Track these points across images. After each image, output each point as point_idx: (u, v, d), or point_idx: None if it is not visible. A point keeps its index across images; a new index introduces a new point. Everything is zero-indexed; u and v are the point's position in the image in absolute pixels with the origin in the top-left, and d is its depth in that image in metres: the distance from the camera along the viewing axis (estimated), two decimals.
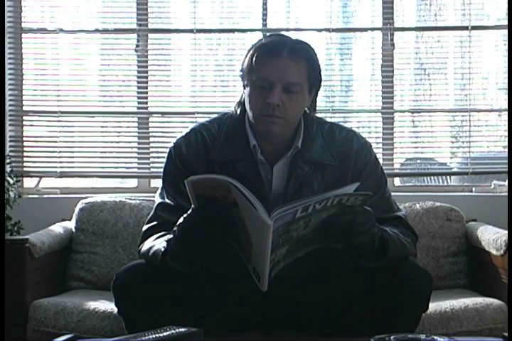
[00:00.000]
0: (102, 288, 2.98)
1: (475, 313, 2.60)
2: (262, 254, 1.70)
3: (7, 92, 3.58)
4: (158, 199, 2.07)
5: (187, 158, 2.05)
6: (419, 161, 3.84)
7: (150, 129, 3.66)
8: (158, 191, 2.09)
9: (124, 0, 3.65)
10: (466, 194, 3.53)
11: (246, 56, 2.02)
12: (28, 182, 3.67)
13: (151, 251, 1.94)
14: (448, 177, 3.84)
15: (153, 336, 1.61)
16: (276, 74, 1.95)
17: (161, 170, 2.11)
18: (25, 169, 3.63)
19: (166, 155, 2.10)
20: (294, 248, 1.78)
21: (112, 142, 3.71)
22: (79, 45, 3.67)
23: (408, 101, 3.69)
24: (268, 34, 2.18)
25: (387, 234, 1.92)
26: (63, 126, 3.65)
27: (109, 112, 3.68)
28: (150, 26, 3.65)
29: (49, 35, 3.65)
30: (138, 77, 3.64)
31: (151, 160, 3.64)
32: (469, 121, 3.61)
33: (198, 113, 3.61)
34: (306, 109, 2.07)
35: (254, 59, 1.98)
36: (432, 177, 3.87)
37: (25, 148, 3.64)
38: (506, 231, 2.74)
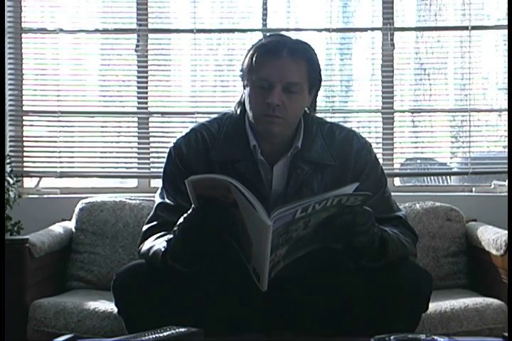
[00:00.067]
0: (102, 288, 2.98)
1: (475, 313, 2.60)
2: (261, 254, 1.70)
3: (7, 92, 3.58)
4: (158, 200, 2.07)
5: (187, 158, 2.05)
6: (419, 161, 3.84)
7: (150, 129, 3.66)
8: (158, 191, 2.09)
9: (124, 0, 3.65)
10: (466, 194, 3.53)
11: (246, 56, 2.02)
12: (28, 182, 3.67)
13: (151, 251, 1.94)
14: (448, 177, 3.84)
15: (153, 336, 1.61)
16: (276, 74, 1.95)
17: (161, 170, 2.11)
18: (25, 169, 3.63)
19: (166, 155, 2.10)
20: (294, 248, 1.78)
21: (112, 142, 3.71)
22: (79, 45, 3.67)
23: (408, 101, 3.69)
24: (268, 34, 2.18)
25: (387, 234, 1.92)
26: (63, 126, 3.65)
27: (109, 112, 3.69)
28: (150, 26, 3.65)
29: (49, 35, 3.65)
30: (138, 77, 3.65)
31: (151, 160, 3.64)
32: (469, 121, 3.61)
33: (198, 113, 3.61)
34: (306, 109, 2.07)
35: (254, 59, 1.98)
36: (432, 177, 3.87)
37: (25, 148, 3.64)
38: (506, 231, 2.74)
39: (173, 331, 1.64)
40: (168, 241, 1.89)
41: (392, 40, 3.58)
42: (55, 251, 2.97)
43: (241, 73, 2.04)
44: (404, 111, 3.68)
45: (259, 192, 1.88)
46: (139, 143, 3.66)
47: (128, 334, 1.73)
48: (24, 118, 3.65)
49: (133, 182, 3.68)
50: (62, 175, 3.61)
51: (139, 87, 3.65)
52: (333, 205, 1.73)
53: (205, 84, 3.70)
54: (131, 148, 3.69)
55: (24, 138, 3.65)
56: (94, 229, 3.15)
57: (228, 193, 1.70)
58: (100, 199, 3.23)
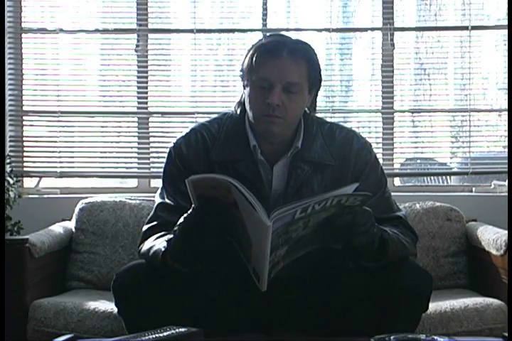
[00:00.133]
0: (102, 288, 2.98)
1: (475, 313, 2.60)
2: (261, 255, 1.70)
3: (7, 92, 3.58)
4: (158, 200, 2.07)
5: (187, 158, 2.05)
6: (419, 161, 3.84)
7: (150, 129, 3.66)
8: (158, 191, 2.09)
9: (124, 0, 3.65)
10: (466, 194, 3.53)
11: (246, 56, 2.02)
12: (28, 182, 3.67)
13: (151, 251, 1.94)
14: (448, 177, 3.84)
15: (153, 336, 1.61)
16: (276, 74, 1.95)
17: (161, 170, 2.11)
18: (25, 169, 3.63)
19: (166, 155, 2.10)
20: (294, 248, 1.78)
21: (112, 142, 3.71)
22: (79, 45, 3.67)
23: (408, 101, 3.69)
24: (268, 34, 2.18)
25: (387, 234, 1.92)
26: (63, 126, 3.65)
27: (109, 112, 3.68)
28: (150, 26, 3.64)
29: (49, 35, 3.65)
30: (138, 77, 3.64)
31: (151, 160, 3.64)
32: (469, 121, 3.61)
33: (198, 113, 3.61)
34: (306, 109, 2.07)
35: (254, 59, 1.98)
36: (432, 177, 3.87)
37: (25, 148, 3.64)
38: (506, 231, 2.74)
39: (173, 331, 1.64)
40: (168, 241, 1.89)
41: (392, 40, 3.58)
42: (55, 251, 2.97)
43: (241, 73, 2.04)
44: (404, 111, 3.68)
45: (259, 192, 1.89)
46: (139, 143, 3.66)
47: (128, 334, 1.74)
48: (24, 118, 3.65)
49: (133, 182, 3.68)
50: (62, 175, 3.61)
51: (139, 87, 3.65)
52: (332, 205, 1.73)
53: (205, 84, 3.70)
54: (131, 148, 3.69)
55: (24, 138, 3.65)
56: (94, 229, 3.15)
57: (228, 193, 1.70)
58: (100, 199, 3.23)
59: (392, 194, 2.12)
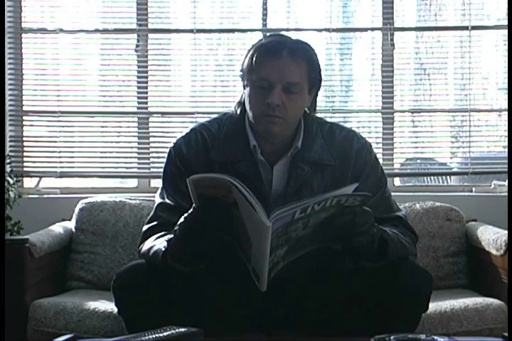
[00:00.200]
0: (102, 288, 2.98)
1: (475, 313, 2.60)
2: (261, 255, 1.70)
3: (7, 92, 3.58)
4: (158, 200, 2.07)
5: (187, 158, 2.05)
6: (419, 161, 3.84)
7: (150, 129, 3.66)
8: (158, 191, 2.09)
9: (124, 0, 3.65)
10: (466, 194, 3.53)
11: (246, 56, 2.02)
12: (28, 182, 3.67)
13: (152, 251, 1.94)
14: (448, 177, 3.84)
15: (153, 336, 1.61)
16: (276, 74, 1.95)
17: (161, 170, 2.11)
18: (25, 169, 3.63)
19: (166, 155, 2.10)
20: (293, 248, 1.78)
21: (112, 142, 3.71)
22: (79, 45, 3.67)
23: (408, 101, 3.69)
24: (268, 34, 2.18)
25: (387, 234, 1.92)
26: (63, 126, 3.65)
27: (109, 112, 3.68)
28: (150, 26, 3.64)
29: (49, 35, 3.65)
30: (138, 77, 3.64)
31: (151, 160, 3.64)
32: (469, 121, 3.61)
33: (198, 113, 3.61)
34: (306, 109, 2.07)
35: (254, 59, 1.98)
36: (432, 177, 3.87)
37: (25, 148, 3.64)
38: (506, 231, 2.74)
39: (173, 331, 1.64)
40: (168, 241, 1.89)
41: (392, 40, 3.58)
42: (55, 251, 2.97)
43: (241, 73, 2.04)
44: (404, 111, 3.68)
45: (259, 192, 1.88)
46: (139, 143, 3.66)
47: (128, 334, 1.74)
48: (24, 118, 3.65)
49: (133, 182, 3.68)
50: (62, 175, 3.61)
51: (139, 87, 3.65)
52: (332, 206, 1.73)
53: (205, 84, 3.70)
54: (131, 148, 3.69)
55: (24, 138, 3.65)
56: (94, 229, 3.15)
57: (229, 193, 1.70)
58: (100, 199, 3.23)
59: (392, 194, 2.12)
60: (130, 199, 3.25)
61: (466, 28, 3.58)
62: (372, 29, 3.64)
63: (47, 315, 2.64)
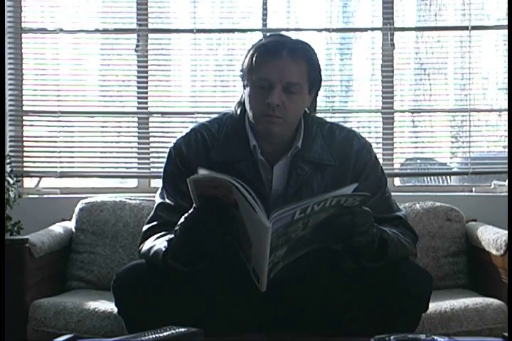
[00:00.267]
0: (102, 288, 2.98)
1: (475, 313, 2.60)
2: (261, 255, 1.70)
3: (7, 92, 3.58)
4: (158, 200, 2.07)
5: (187, 158, 2.05)
6: (419, 161, 3.84)
7: (150, 129, 3.66)
8: (159, 191, 2.09)
9: (124, 0, 3.65)
10: (466, 194, 3.53)
11: (246, 56, 2.02)
12: (28, 182, 3.67)
13: (152, 251, 1.94)
14: (448, 177, 3.84)
15: (153, 336, 1.61)
16: (276, 74, 1.95)
17: (161, 170, 2.11)
18: (25, 169, 3.63)
19: (166, 155, 2.10)
20: (293, 249, 1.78)
21: (112, 142, 3.71)
22: (79, 45, 3.67)
23: (408, 101, 3.69)
24: (268, 34, 2.18)
25: (387, 235, 1.92)
26: (63, 126, 3.65)
27: (109, 112, 3.68)
28: (150, 26, 3.64)
29: (49, 35, 3.65)
30: (138, 77, 3.64)
31: (151, 160, 3.64)
32: (469, 121, 3.61)
33: (198, 113, 3.61)
34: (306, 109, 2.07)
35: (254, 59, 1.98)
36: (432, 177, 3.87)
37: (25, 148, 3.64)
38: (506, 231, 2.74)
39: (173, 331, 1.64)
40: (168, 241, 1.89)
41: (392, 40, 3.58)
42: (55, 251, 2.97)
43: (241, 73, 2.04)
44: (404, 111, 3.68)
45: (259, 192, 1.88)
46: (139, 143, 3.66)
47: (128, 334, 1.73)
48: (24, 118, 3.65)
49: (133, 182, 3.68)
50: (62, 175, 3.61)
51: (139, 87, 3.65)
52: (331, 206, 1.73)
53: (205, 84, 3.70)
54: (131, 148, 3.69)
55: (24, 138, 3.65)
56: (94, 229, 3.15)
57: (229, 193, 1.70)
58: (100, 199, 3.23)
59: (392, 194, 2.12)
60: (130, 199, 3.25)
61: (466, 28, 3.58)
62: (372, 29, 3.64)
63: (47, 315, 2.64)
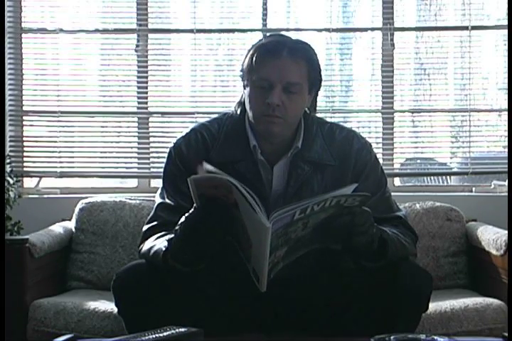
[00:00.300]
0: (102, 288, 2.98)
1: (475, 313, 2.60)
2: (261, 256, 1.70)
3: (7, 92, 3.58)
4: (158, 200, 2.07)
5: (187, 158, 2.05)
6: (419, 161, 3.84)
7: (150, 129, 3.66)
8: (159, 191, 2.09)
9: (124, 0, 3.65)
10: (466, 194, 3.53)
11: (246, 56, 2.02)
12: (28, 182, 3.67)
13: (152, 251, 1.94)
14: (448, 177, 3.84)
15: (153, 336, 1.61)
16: (276, 74, 1.95)
17: (161, 170, 2.11)
18: (25, 169, 3.63)
19: (166, 155, 2.10)
20: (293, 249, 1.78)
21: (112, 142, 3.71)
22: (79, 45, 3.67)
23: (408, 101, 3.69)
24: (268, 34, 2.18)
25: (387, 235, 1.92)
26: (63, 126, 3.65)
27: (109, 112, 3.68)
28: (150, 26, 3.64)
29: (49, 35, 3.65)
30: (138, 77, 3.64)
31: (151, 160, 3.64)
32: (469, 121, 3.61)
33: (198, 113, 3.61)
34: (306, 109, 2.07)
35: (254, 59, 1.98)
36: (432, 177, 3.87)
37: (25, 148, 3.64)
38: (506, 231, 2.74)
39: (173, 331, 1.64)
40: (169, 241, 1.89)
41: (392, 40, 3.58)
42: (55, 251, 2.97)
43: (241, 73, 2.04)
44: (404, 111, 3.68)
45: (259, 192, 1.88)
46: (139, 143, 3.66)
47: (128, 334, 1.73)
48: (24, 118, 3.65)
49: (133, 182, 3.68)
50: (62, 175, 3.61)
51: (139, 87, 3.65)
52: (331, 206, 1.73)
53: (205, 84, 3.70)
54: (131, 148, 3.69)
55: (24, 138, 3.65)
56: (94, 229, 3.15)
57: (229, 193, 1.70)
58: (100, 199, 3.23)
59: (392, 194, 2.12)
60: (130, 199, 3.25)
61: (466, 28, 3.58)
62: (372, 29, 3.64)
63: (47, 315, 2.64)
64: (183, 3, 3.67)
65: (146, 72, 3.64)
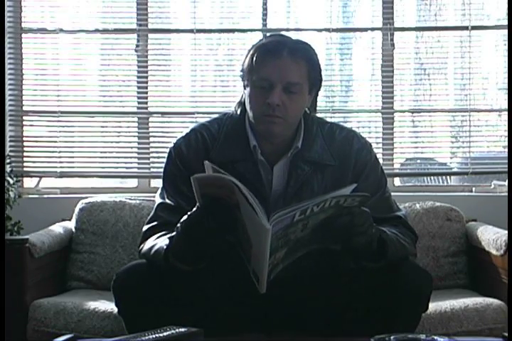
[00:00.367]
0: (102, 288, 2.98)
1: (475, 313, 2.60)
2: (261, 257, 1.70)
3: (7, 92, 3.58)
4: (158, 200, 2.07)
5: (187, 158, 2.05)
6: (419, 161, 3.85)
7: (150, 129, 3.66)
8: (159, 191, 2.09)
9: (124, 0, 3.65)
10: (466, 194, 3.53)
11: (246, 56, 2.02)
12: (28, 182, 3.67)
13: (153, 250, 1.94)
14: (448, 177, 3.84)
15: (153, 336, 1.61)
16: (276, 74, 1.95)
17: (161, 170, 2.11)
18: (25, 169, 3.63)
19: (166, 155, 2.10)
20: (293, 250, 1.78)
21: (112, 142, 3.71)
22: (79, 45, 3.67)
23: (408, 101, 3.69)
24: (268, 34, 2.19)
25: (386, 235, 1.92)
26: (63, 126, 3.65)
27: (109, 112, 3.69)
28: (150, 26, 3.64)
29: (49, 35, 3.65)
30: (138, 77, 3.64)
31: (151, 160, 3.64)
32: (469, 121, 3.61)
33: (198, 113, 3.61)
34: (307, 109, 2.07)
35: (254, 59, 1.98)
36: (432, 177, 3.87)
37: (25, 148, 3.64)
38: (506, 231, 2.74)
39: (173, 331, 1.64)
40: (170, 239, 1.89)
41: (392, 40, 3.58)
42: (55, 251, 2.97)
43: (241, 73, 2.04)
44: (404, 111, 3.68)
45: (259, 192, 1.89)
46: (139, 143, 3.66)
47: (128, 334, 1.73)
48: (24, 118, 3.65)
49: (133, 182, 3.68)
50: (62, 175, 3.61)
51: (139, 87, 3.65)
52: (331, 206, 1.72)
53: (205, 84, 3.70)
54: (131, 148, 3.69)
55: (24, 138, 3.65)
56: (94, 229, 3.15)
57: (232, 194, 1.70)
58: (100, 199, 3.23)
59: (392, 194, 2.12)
60: (130, 199, 3.25)
61: (466, 28, 3.58)
62: (372, 29, 3.64)
63: (47, 315, 2.64)
64: (183, 3, 3.67)
65: (146, 72, 3.64)
